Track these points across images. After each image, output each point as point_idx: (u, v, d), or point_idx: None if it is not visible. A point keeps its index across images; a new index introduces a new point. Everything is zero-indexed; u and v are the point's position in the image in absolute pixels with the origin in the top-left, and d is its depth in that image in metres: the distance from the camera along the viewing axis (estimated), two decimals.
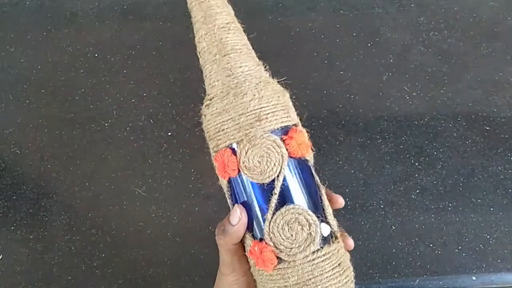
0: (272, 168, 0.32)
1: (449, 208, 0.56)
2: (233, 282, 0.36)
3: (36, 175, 0.59)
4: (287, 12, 0.73)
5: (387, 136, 0.61)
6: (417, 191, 0.57)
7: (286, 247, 0.32)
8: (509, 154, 0.59)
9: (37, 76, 0.67)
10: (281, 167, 0.32)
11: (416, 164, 0.59)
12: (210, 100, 0.36)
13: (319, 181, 0.35)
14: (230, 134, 0.34)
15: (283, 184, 0.32)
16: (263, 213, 0.33)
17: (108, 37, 0.71)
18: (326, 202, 0.34)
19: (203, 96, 0.65)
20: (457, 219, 0.55)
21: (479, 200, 0.56)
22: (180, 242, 0.54)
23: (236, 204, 0.34)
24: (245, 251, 0.35)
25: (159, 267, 0.53)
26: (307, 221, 0.32)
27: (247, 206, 0.34)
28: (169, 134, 0.62)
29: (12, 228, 0.56)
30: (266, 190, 0.33)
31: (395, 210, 0.56)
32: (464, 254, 0.53)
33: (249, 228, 0.34)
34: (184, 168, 0.59)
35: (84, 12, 0.74)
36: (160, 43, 0.70)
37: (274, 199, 0.32)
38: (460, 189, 0.57)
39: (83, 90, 0.66)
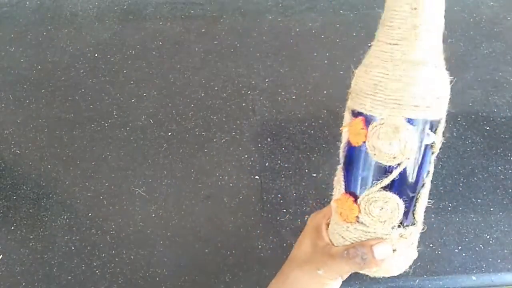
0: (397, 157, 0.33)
1: (449, 208, 0.56)
2: None
3: (36, 175, 0.59)
4: (287, 12, 0.73)
5: None
6: None
7: (374, 216, 0.35)
8: (509, 154, 0.59)
9: (37, 76, 0.67)
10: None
11: None
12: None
13: (429, 178, 0.36)
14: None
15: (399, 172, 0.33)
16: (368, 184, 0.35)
17: (108, 37, 0.71)
18: (423, 198, 0.36)
19: (203, 96, 0.65)
20: (457, 219, 0.55)
21: (479, 200, 0.56)
22: (180, 242, 0.54)
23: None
24: None
25: (159, 267, 0.53)
26: (395, 207, 0.34)
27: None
28: (169, 134, 0.62)
29: (12, 228, 0.56)
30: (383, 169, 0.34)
31: None
32: (464, 254, 0.53)
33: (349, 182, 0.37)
34: (184, 168, 0.59)
35: (84, 12, 0.74)
36: (160, 43, 0.70)
37: (387, 180, 0.33)
38: (460, 189, 0.57)
39: (83, 90, 0.66)
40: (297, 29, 0.71)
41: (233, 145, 0.60)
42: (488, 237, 0.54)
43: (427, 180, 0.36)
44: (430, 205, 0.57)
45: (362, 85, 0.35)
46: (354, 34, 0.70)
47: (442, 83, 0.34)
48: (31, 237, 0.55)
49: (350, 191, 0.36)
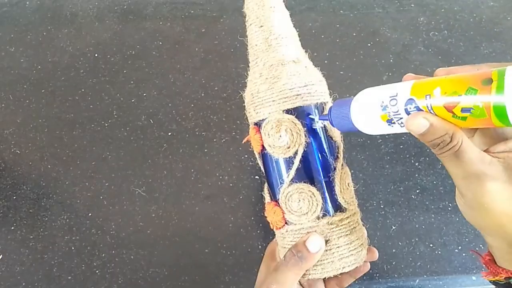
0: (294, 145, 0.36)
1: (449, 208, 0.56)
2: None
3: (36, 175, 0.59)
4: None
5: (387, 136, 0.61)
6: (417, 191, 0.57)
7: (295, 211, 0.36)
8: None
9: (37, 76, 0.67)
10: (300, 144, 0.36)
11: (416, 164, 0.59)
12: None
13: (339, 161, 0.38)
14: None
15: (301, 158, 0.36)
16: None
17: (108, 37, 0.71)
18: (338, 181, 0.37)
19: (203, 96, 0.65)
20: (457, 219, 0.55)
21: None
22: (180, 242, 0.54)
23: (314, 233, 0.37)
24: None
25: (159, 267, 0.53)
26: (311, 195, 0.36)
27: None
28: (169, 134, 0.62)
29: (12, 228, 0.56)
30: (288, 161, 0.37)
31: (395, 210, 0.56)
32: (464, 254, 0.53)
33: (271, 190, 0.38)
34: (184, 168, 0.59)
35: (84, 12, 0.74)
36: (160, 43, 0.70)
37: (293, 171, 0.36)
38: None
39: (83, 90, 0.66)
40: (297, 29, 0.71)
41: (233, 145, 0.60)
42: None
43: (338, 164, 0.37)
44: (430, 205, 0.58)
45: (246, 100, 0.40)
46: (354, 34, 0.70)
47: (305, 74, 0.38)
48: (31, 237, 0.55)
49: (273, 199, 0.38)
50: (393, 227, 0.55)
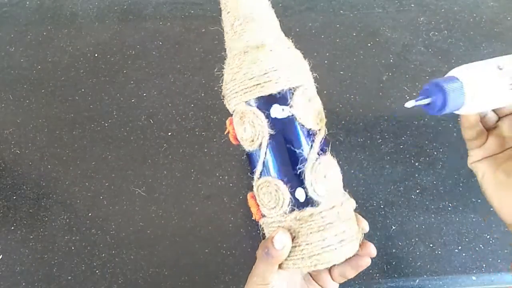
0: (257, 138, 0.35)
1: (449, 208, 0.56)
2: None
3: (36, 175, 0.59)
4: (287, 12, 0.73)
5: (387, 136, 0.61)
6: (417, 191, 0.57)
7: (266, 205, 0.35)
8: None
9: (37, 76, 0.67)
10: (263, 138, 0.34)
11: (416, 164, 0.59)
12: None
13: (313, 152, 0.35)
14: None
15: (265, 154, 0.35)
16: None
17: (108, 37, 0.71)
18: (308, 173, 0.34)
19: (203, 96, 0.65)
20: (457, 219, 0.55)
21: (479, 200, 0.56)
22: (180, 242, 0.54)
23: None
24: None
25: (159, 267, 0.53)
26: (276, 189, 0.34)
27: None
28: (169, 134, 0.62)
29: (12, 228, 0.56)
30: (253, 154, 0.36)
31: (395, 210, 0.56)
32: (464, 254, 0.53)
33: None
34: (184, 168, 0.59)
35: (84, 12, 0.74)
36: (160, 43, 0.70)
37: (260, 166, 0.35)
38: (460, 189, 0.57)
39: (83, 90, 0.66)
40: (297, 29, 0.71)
41: (233, 145, 0.60)
42: (488, 237, 0.54)
43: (311, 154, 0.34)
44: (430, 205, 0.57)
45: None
46: (354, 34, 0.70)
47: (267, 60, 0.35)
48: (31, 237, 0.55)
49: (252, 190, 0.37)
50: (393, 227, 0.55)
